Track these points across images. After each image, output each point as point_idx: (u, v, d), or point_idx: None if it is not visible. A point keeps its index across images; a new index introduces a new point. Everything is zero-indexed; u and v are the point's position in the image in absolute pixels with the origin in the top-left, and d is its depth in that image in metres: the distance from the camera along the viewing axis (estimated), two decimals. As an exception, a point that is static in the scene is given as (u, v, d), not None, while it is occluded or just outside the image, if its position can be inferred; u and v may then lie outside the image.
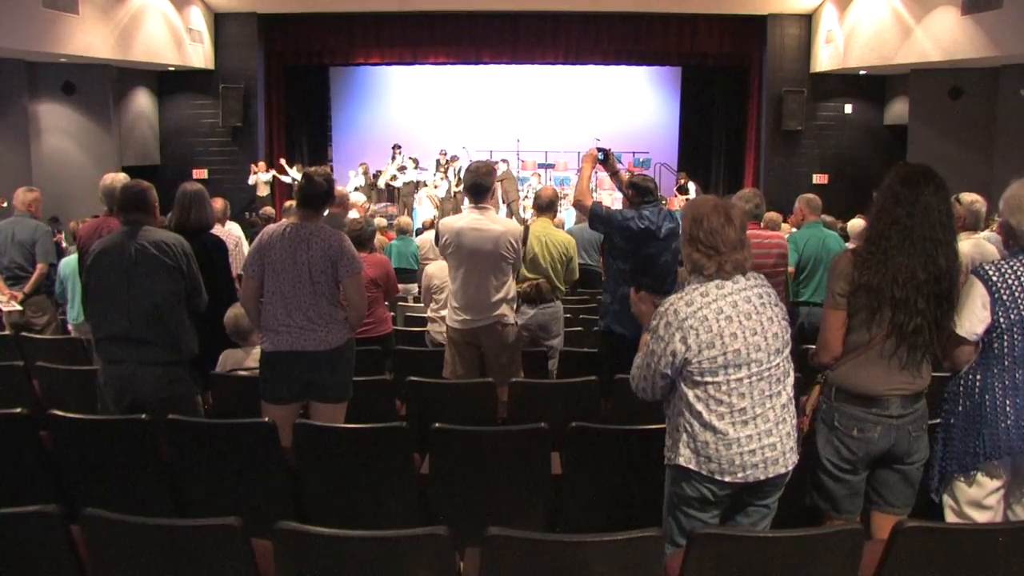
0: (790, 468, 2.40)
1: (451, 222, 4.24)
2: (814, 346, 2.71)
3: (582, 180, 4.36)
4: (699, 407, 2.36)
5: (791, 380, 2.44)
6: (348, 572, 2.05)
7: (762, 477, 2.36)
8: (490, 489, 3.02)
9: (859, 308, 2.52)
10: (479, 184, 4.11)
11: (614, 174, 4.46)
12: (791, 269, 5.08)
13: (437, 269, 5.24)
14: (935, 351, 2.53)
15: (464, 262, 4.12)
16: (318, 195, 3.48)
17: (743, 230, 2.39)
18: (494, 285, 4.12)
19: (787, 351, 2.42)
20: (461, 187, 13.43)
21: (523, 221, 10.51)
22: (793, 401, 2.45)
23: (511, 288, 4.23)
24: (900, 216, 2.47)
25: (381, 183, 13.82)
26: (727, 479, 2.35)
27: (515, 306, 4.35)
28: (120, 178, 4.49)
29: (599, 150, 4.37)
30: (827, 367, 2.63)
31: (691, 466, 2.38)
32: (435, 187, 13.48)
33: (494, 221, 4.14)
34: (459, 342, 4.25)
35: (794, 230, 5.90)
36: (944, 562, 2.10)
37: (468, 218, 4.15)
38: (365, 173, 13.80)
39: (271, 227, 3.51)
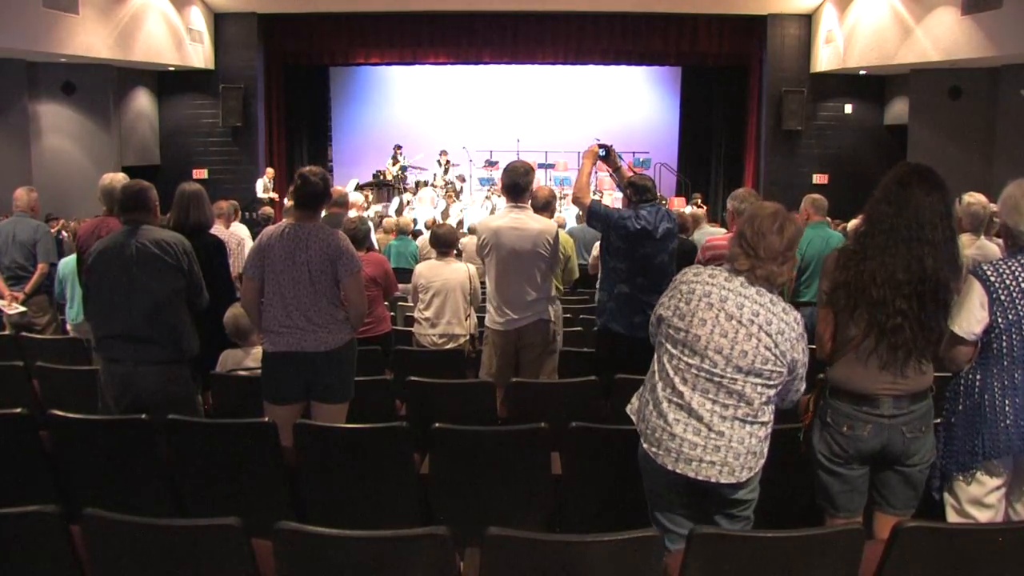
0: (724, 481, 2.36)
1: (488, 222, 4.26)
2: (814, 345, 2.71)
3: (581, 176, 4.32)
4: (655, 366, 2.51)
5: (765, 410, 2.40)
6: (348, 572, 2.05)
7: (689, 473, 2.37)
8: (490, 489, 3.02)
9: (840, 307, 2.54)
10: (517, 183, 4.12)
11: (616, 169, 4.44)
12: (792, 273, 5.05)
13: (425, 268, 5.18)
14: (930, 352, 2.51)
15: (503, 261, 4.12)
16: (315, 195, 3.47)
17: (789, 247, 2.40)
18: (534, 283, 4.12)
19: (763, 382, 2.37)
20: (452, 183, 13.50)
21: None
22: (763, 431, 2.40)
23: (551, 286, 4.24)
24: (887, 215, 2.48)
25: (412, 184, 13.67)
26: (645, 445, 2.46)
27: (554, 304, 4.33)
28: (119, 178, 4.49)
29: (600, 146, 4.35)
30: (827, 363, 2.63)
31: (632, 415, 2.54)
32: (433, 186, 13.44)
33: (532, 219, 4.16)
34: (501, 345, 4.21)
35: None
36: (945, 562, 2.10)
37: (507, 217, 4.15)
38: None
39: (270, 228, 3.51)
